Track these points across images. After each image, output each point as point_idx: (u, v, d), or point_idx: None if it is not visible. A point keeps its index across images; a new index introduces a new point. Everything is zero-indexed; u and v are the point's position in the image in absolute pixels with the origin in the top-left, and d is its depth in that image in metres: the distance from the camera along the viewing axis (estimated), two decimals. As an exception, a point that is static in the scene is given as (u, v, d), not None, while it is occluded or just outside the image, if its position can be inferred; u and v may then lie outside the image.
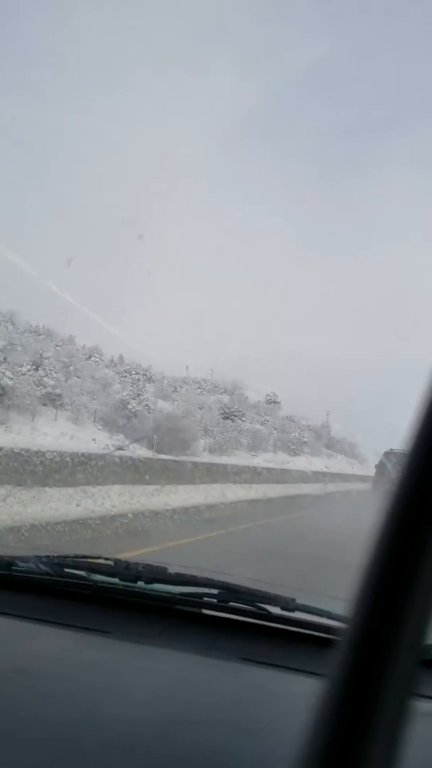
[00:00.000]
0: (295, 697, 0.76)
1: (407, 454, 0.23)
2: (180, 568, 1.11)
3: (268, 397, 32.33)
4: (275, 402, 32.46)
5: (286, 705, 0.75)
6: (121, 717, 0.67)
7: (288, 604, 0.97)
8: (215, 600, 1.01)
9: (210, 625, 0.99)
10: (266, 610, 0.98)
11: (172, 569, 1.09)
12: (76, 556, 1.18)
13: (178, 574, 1.07)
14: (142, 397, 18.85)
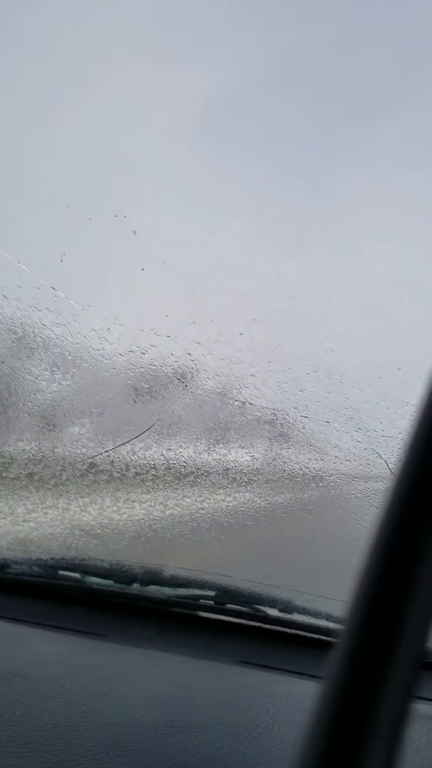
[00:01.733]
0: (293, 700, 0.76)
1: (405, 451, 0.22)
2: (176, 570, 1.11)
3: (220, 382, 31.06)
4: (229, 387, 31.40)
5: (284, 708, 0.75)
6: (117, 721, 0.66)
7: (286, 606, 0.97)
8: (212, 602, 1.00)
9: (207, 627, 0.98)
10: (264, 612, 0.97)
11: (169, 571, 1.08)
12: (72, 559, 1.17)
13: (174, 576, 1.07)
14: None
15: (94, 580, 1.05)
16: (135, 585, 1.04)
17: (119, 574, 1.06)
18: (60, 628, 0.95)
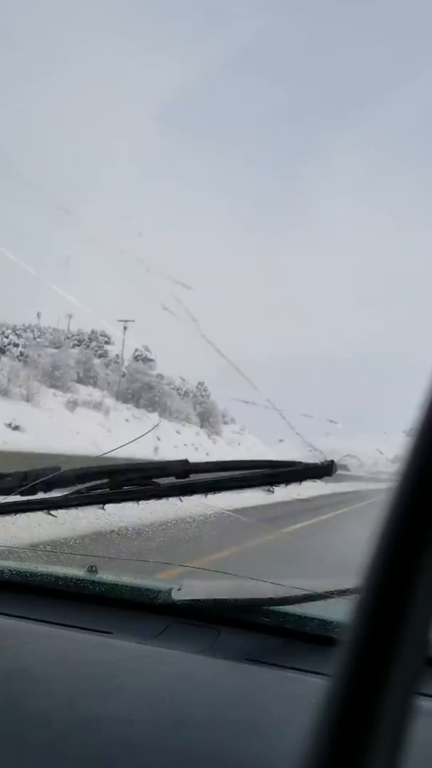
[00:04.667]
0: (298, 697, 0.76)
1: (408, 450, 0.22)
2: (181, 567, 1.11)
3: (137, 352, 30.15)
4: (147, 359, 30.29)
5: (289, 705, 0.75)
6: (123, 718, 0.67)
7: (291, 603, 0.97)
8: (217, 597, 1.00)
9: (212, 623, 0.99)
10: (269, 608, 0.97)
11: (176, 567, 1.09)
12: (78, 554, 1.18)
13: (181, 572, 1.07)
14: None
15: (100, 576, 1.06)
16: (142, 581, 1.04)
17: (126, 571, 1.07)
18: (66, 626, 0.95)
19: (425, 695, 0.71)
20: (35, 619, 0.96)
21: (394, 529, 0.22)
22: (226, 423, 37.06)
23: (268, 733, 0.66)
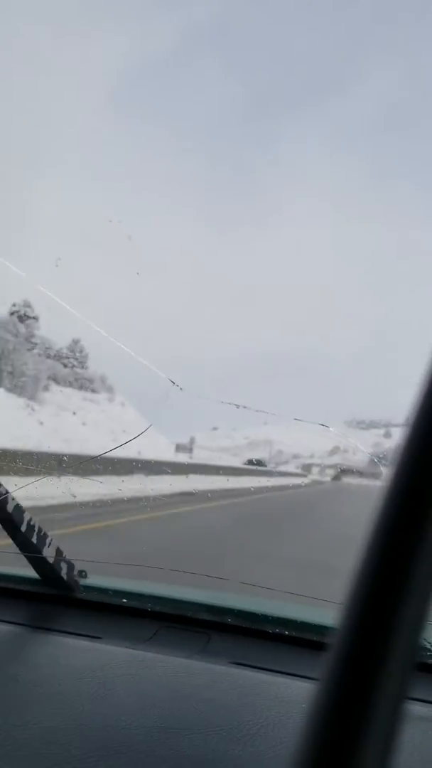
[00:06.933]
0: (287, 702, 0.76)
1: (402, 445, 0.22)
2: (171, 571, 1.10)
3: (14, 308, 26.10)
4: (27, 316, 26.56)
5: (278, 710, 0.75)
6: (112, 723, 0.66)
7: (279, 607, 0.97)
8: (206, 603, 1.00)
9: (201, 627, 0.98)
10: (257, 613, 0.97)
11: (165, 571, 1.08)
12: (68, 559, 1.17)
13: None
14: None
15: (90, 581, 1.05)
16: (132, 585, 1.04)
17: (115, 574, 1.06)
18: (55, 630, 0.94)
19: (416, 699, 0.71)
20: (22, 624, 0.95)
21: (385, 534, 0.21)
22: (96, 390, 30.13)
23: (257, 738, 0.66)
